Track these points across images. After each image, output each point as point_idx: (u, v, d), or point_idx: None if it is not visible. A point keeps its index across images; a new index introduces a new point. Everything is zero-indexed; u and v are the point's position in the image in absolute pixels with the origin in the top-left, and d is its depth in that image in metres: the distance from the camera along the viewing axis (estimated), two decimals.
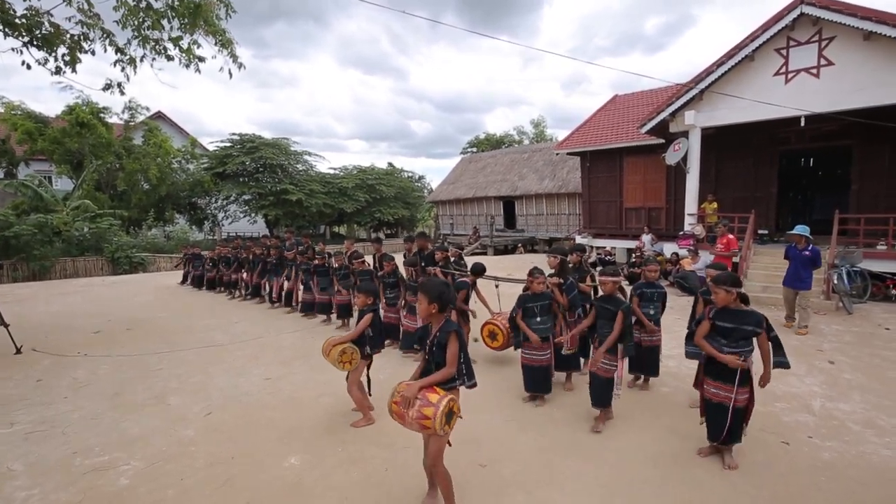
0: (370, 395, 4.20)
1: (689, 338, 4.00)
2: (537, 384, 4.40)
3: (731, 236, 9.02)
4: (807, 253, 6.86)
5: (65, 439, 3.93)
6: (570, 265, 5.22)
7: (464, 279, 5.73)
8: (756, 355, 3.30)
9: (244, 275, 10.29)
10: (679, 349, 5.71)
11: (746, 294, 3.45)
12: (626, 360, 3.99)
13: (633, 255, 13.04)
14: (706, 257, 10.40)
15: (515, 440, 3.74)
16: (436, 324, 2.82)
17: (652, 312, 4.63)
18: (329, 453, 3.61)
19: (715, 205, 11.65)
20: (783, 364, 3.34)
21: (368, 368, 4.18)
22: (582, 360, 5.17)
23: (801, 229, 6.97)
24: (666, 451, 3.55)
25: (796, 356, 5.74)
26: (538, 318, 4.38)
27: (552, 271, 4.97)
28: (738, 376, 3.21)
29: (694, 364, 5.23)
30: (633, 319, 4.54)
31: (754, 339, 3.24)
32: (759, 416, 4.08)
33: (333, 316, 7.74)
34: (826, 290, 8.29)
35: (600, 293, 4.19)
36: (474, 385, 2.91)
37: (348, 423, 4.08)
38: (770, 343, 3.26)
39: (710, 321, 3.34)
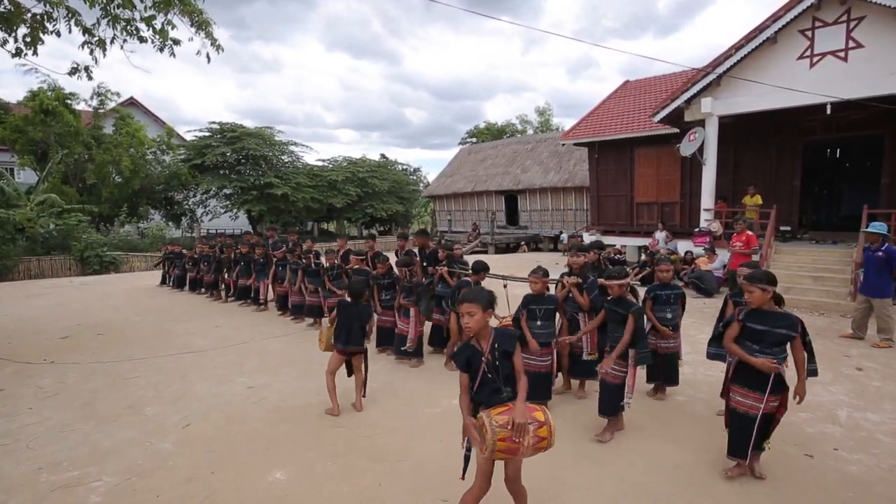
0: (364, 395, 4.64)
1: (714, 339, 3.95)
2: (535, 391, 4.41)
3: (749, 233, 9.05)
4: (879, 254, 6.46)
5: (30, 454, 3.91)
6: (588, 263, 5.22)
7: (466, 278, 5.74)
8: (790, 363, 3.26)
9: (226, 276, 10.30)
10: (694, 355, 5.76)
11: (781, 295, 3.40)
12: (639, 369, 3.97)
13: (644, 254, 13.07)
14: (724, 256, 10.44)
15: None
16: (485, 336, 2.63)
17: (669, 316, 4.60)
18: (318, 467, 3.61)
19: (759, 199, 11.35)
20: (811, 372, 3.32)
21: (366, 368, 4.62)
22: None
23: (877, 227, 6.56)
24: (680, 464, 3.56)
25: (821, 362, 5.74)
26: (538, 322, 4.40)
27: (566, 270, 4.97)
28: (770, 383, 3.19)
29: (714, 371, 5.30)
30: (648, 325, 4.58)
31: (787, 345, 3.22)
32: (781, 427, 4.08)
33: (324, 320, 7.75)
34: (853, 291, 8.33)
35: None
36: None
37: (338, 434, 4.09)
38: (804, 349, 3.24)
39: (739, 323, 3.29)
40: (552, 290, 4.85)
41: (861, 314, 6.74)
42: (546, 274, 4.48)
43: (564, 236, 20.63)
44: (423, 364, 5.91)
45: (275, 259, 8.79)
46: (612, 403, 3.88)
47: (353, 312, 4.53)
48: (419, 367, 5.80)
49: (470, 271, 5.85)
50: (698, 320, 7.54)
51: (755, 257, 9.14)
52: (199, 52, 7.09)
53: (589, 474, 3.46)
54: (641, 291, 4.68)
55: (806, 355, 3.25)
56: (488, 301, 2.64)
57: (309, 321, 7.95)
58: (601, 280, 4.14)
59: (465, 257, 7.02)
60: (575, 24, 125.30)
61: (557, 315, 4.66)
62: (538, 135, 34.12)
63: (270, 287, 9.04)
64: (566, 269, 4.98)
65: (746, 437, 3.25)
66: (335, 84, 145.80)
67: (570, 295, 4.67)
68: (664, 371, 4.67)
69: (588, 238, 15.16)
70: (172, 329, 8.00)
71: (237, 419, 4.47)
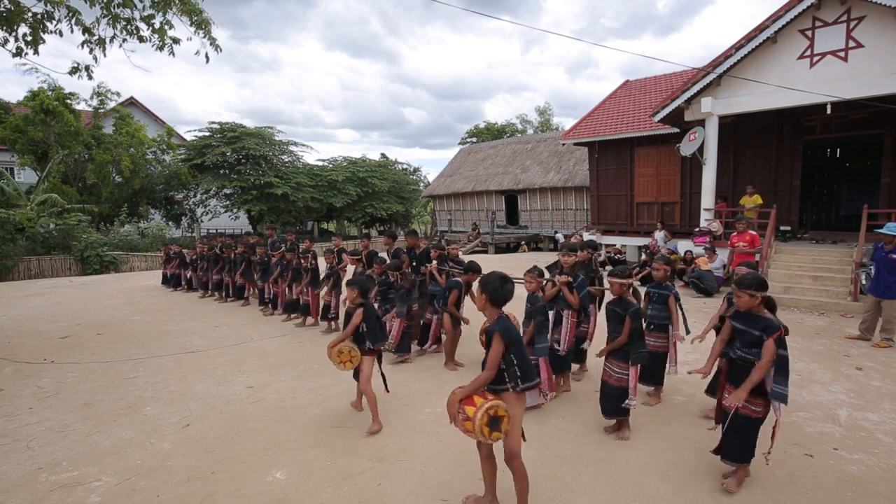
0: (387, 391, 4.39)
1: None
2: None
3: (752, 232, 8.99)
4: (894, 256, 6.37)
5: (29, 454, 3.91)
6: (579, 262, 5.24)
7: (456, 279, 5.74)
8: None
9: (226, 276, 10.30)
10: (693, 355, 5.76)
11: (774, 300, 3.37)
12: (638, 368, 3.98)
13: (644, 254, 13.07)
14: (724, 256, 10.44)
15: None
16: (490, 317, 2.92)
17: (654, 314, 4.66)
18: (317, 467, 3.60)
19: (758, 198, 11.27)
20: (777, 395, 3.06)
21: (380, 363, 4.40)
22: (577, 366, 5.32)
23: (893, 228, 6.42)
24: (679, 464, 3.56)
25: (821, 361, 5.77)
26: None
27: (556, 269, 5.00)
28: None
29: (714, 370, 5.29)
30: (648, 324, 4.60)
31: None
32: (782, 426, 4.09)
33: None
34: (853, 291, 8.33)
35: (608, 297, 4.22)
36: (530, 388, 2.84)
37: (338, 434, 4.08)
38: (774, 357, 3.06)
39: (730, 322, 3.36)
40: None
41: (871, 315, 6.63)
42: (541, 273, 4.50)
43: (560, 236, 20.69)
44: (410, 356, 6.01)
45: (274, 259, 8.81)
46: (613, 404, 3.89)
47: (374, 308, 4.37)
48: (419, 368, 5.79)
49: (461, 270, 5.87)
50: (698, 320, 7.52)
51: (756, 256, 9.15)
52: (197, 52, 7.10)
53: (589, 474, 3.45)
54: (643, 291, 4.69)
55: (773, 362, 3.05)
56: (485, 285, 2.87)
57: (309, 321, 7.94)
58: (607, 279, 4.14)
59: (466, 257, 7.04)
60: (574, 24, 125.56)
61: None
62: (538, 134, 34.13)
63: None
64: (555, 268, 5.03)
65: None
66: (334, 83, 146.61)
67: (561, 293, 4.72)
68: (650, 370, 4.66)
69: (588, 237, 15.19)
70: (172, 329, 8.00)
71: (237, 419, 4.46)
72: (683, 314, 4.73)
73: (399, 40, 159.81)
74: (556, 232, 21.81)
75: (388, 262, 6.37)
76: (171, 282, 12.34)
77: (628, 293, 3.99)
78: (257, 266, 9.28)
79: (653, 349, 4.62)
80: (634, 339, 3.83)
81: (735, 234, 8.40)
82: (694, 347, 5.93)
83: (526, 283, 4.48)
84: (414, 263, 6.48)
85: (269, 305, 8.87)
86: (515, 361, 2.78)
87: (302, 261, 8.06)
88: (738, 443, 3.21)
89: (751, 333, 3.18)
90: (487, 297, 2.84)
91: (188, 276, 11.84)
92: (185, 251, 12.53)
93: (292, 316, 8.25)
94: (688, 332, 4.72)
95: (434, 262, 6.09)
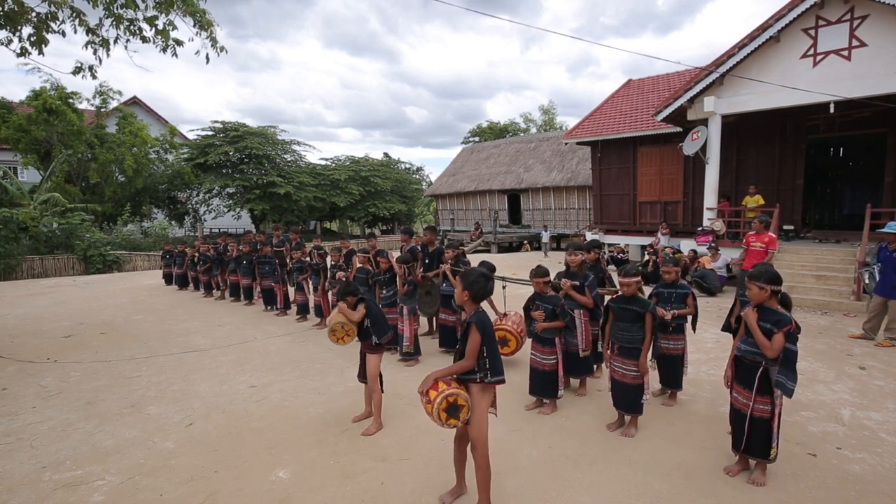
0: (382, 390, 4.30)
1: (724, 329, 3.99)
2: (543, 388, 4.44)
3: (772, 235, 8.79)
4: None
5: (33, 452, 3.93)
6: (586, 262, 5.21)
7: None
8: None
9: (230, 275, 10.29)
10: (697, 354, 5.76)
11: (789, 298, 3.33)
12: (652, 370, 4.00)
13: (647, 253, 13.04)
14: (727, 255, 10.41)
15: (521, 451, 3.75)
16: (468, 313, 2.97)
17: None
18: (320, 466, 3.61)
19: (759, 198, 11.24)
20: (780, 385, 3.12)
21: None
22: (595, 366, 5.19)
23: (894, 227, 6.33)
24: (683, 462, 3.56)
25: (824, 361, 5.75)
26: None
27: (562, 270, 4.98)
28: (756, 383, 3.21)
29: (716, 369, 5.29)
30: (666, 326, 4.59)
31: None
32: (784, 426, 4.08)
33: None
34: (857, 290, 8.31)
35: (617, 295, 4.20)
36: (498, 382, 2.91)
37: (340, 433, 4.09)
38: (783, 351, 3.09)
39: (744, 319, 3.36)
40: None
41: (877, 315, 6.54)
42: (546, 274, 4.47)
43: (545, 235, 20.50)
44: (419, 363, 5.91)
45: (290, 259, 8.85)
46: (636, 401, 3.94)
47: (375, 303, 4.44)
48: (424, 367, 5.78)
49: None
50: (700, 319, 7.51)
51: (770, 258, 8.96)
52: (198, 52, 7.10)
53: (591, 473, 3.45)
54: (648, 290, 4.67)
55: (781, 361, 3.10)
56: (469, 284, 2.90)
57: (316, 320, 7.93)
58: (620, 279, 4.07)
59: (468, 256, 6.99)
60: (573, 22, 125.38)
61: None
62: (541, 134, 34.09)
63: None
64: (564, 269, 5.00)
65: (741, 433, 3.32)
66: (335, 82, 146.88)
67: (569, 295, 4.71)
68: (665, 372, 4.64)
69: (590, 237, 15.15)
70: (174, 328, 8.02)
71: (239, 418, 4.47)
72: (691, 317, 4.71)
73: (398, 39, 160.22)
74: (545, 228, 21.50)
75: (398, 256, 6.31)
76: (173, 281, 12.36)
77: (639, 291, 3.98)
78: (263, 265, 9.27)
79: (675, 352, 4.58)
80: (656, 337, 3.89)
81: (752, 233, 7.96)
82: (695, 346, 5.94)
83: (534, 283, 4.46)
84: (426, 261, 6.40)
85: (274, 306, 8.88)
86: (486, 354, 2.87)
87: (312, 258, 8.02)
88: (756, 440, 3.27)
89: (762, 327, 3.18)
90: (470, 294, 2.91)
91: (191, 275, 11.85)
92: (187, 250, 12.54)
93: (307, 317, 8.21)
94: (693, 331, 4.70)
95: (449, 262, 6.00)
